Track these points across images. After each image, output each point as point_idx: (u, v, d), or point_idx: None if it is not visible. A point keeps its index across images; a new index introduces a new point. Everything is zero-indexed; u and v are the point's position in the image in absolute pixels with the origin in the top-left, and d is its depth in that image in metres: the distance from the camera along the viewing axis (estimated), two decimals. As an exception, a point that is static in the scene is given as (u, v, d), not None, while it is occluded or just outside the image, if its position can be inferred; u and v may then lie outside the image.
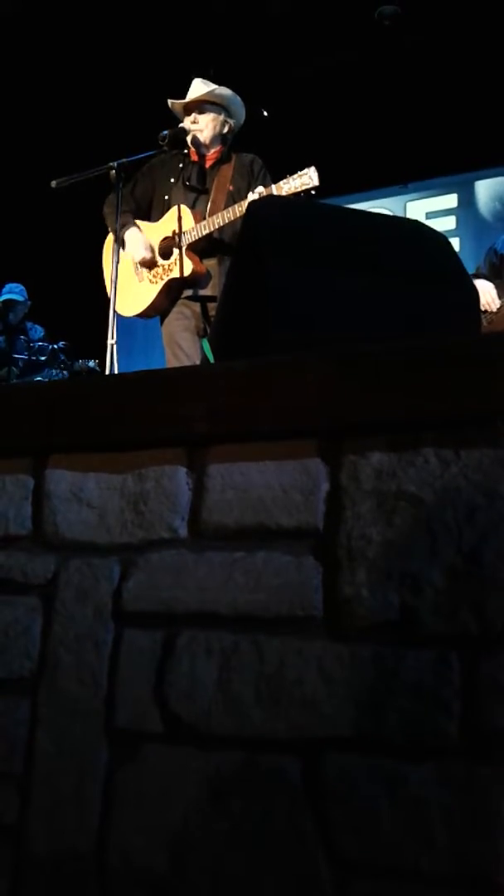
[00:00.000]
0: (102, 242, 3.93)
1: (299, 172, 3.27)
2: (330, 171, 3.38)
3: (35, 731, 1.29)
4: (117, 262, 3.47)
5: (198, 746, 1.18)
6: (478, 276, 3.90)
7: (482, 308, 3.76)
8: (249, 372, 1.27)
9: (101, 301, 3.74)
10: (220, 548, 1.23)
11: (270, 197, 3.24)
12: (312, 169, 3.25)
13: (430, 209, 6.66)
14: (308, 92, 5.92)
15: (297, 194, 3.26)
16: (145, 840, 1.18)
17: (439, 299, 1.65)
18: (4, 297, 5.87)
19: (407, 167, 6.34)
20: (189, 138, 3.69)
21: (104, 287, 3.82)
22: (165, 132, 3.54)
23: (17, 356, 5.68)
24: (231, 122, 3.77)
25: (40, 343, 5.79)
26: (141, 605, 1.27)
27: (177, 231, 3.54)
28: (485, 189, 6.65)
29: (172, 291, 3.64)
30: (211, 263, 3.58)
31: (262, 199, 3.15)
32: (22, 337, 5.80)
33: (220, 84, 3.77)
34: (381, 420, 1.17)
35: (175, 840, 1.17)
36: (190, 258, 3.54)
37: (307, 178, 3.25)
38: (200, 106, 3.73)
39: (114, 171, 3.52)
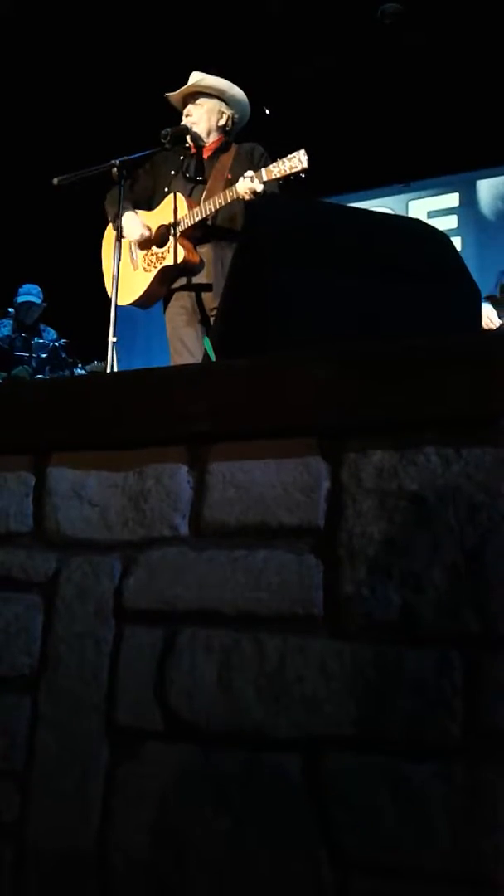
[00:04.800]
0: (103, 239, 3.93)
1: (289, 155, 3.22)
2: (331, 170, 3.37)
3: (36, 728, 1.29)
4: (118, 259, 3.46)
5: (198, 744, 1.18)
6: (487, 299, 4.01)
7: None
8: (250, 370, 1.27)
9: (102, 298, 3.74)
10: (221, 546, 1.23)
11: (271, 196, 3.23)
12: (302, 151, 3.19)
13: (432, 208, 6.67)
14: (308, 91, 5.91)
15: (287, 177, 3.23)
16: (146, 838, 1.18)
17: (441, 298, 1.65)
18: (22, 298, 5.88)
19: (409, 166, 6.34)
20: (188, 132, 3.68)
21: (103, 280, 3.82)
22: (167, 130, 3.53)
23: (31, 356, 5.71)
24: (229, 112, 3.71)
25: (53, 345, 5.82)
26: (142, 603, 1.27)
27: (171, 219, 3.52)
28: (486, 188, 6.66)
29: (166, 279, 3.64)
30: (204, 250, 3.57)
31: (263, 198, 3.14)
32: (36, 338, 5.83)
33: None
34: (382, 418, 1.17)
35: (175, 838, 1.17)
36: (183, 246, 3.52)
37: (297, 161, 3.19)
38: (194, 98, 3.70)
39: (116, 169, 3.51)
